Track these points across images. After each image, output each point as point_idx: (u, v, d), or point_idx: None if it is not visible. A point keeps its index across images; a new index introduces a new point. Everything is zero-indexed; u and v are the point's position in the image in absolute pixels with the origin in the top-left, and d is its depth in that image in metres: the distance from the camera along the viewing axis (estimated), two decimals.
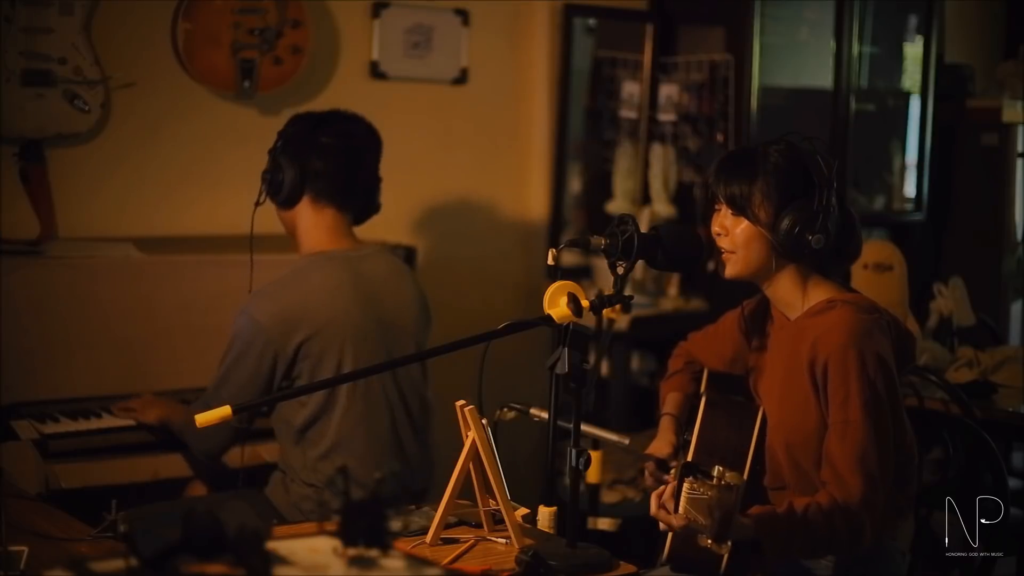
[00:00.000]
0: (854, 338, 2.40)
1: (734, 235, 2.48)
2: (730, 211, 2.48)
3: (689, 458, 2.57)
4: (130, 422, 3.25)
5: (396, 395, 3.12)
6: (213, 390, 3.02)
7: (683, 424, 2.78)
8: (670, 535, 2.52)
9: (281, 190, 3.07)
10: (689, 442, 2.62)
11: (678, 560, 2.53)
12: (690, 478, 2.17)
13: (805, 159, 2.46)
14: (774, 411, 2.52)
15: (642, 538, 3.46)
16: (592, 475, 3.38)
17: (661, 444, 2.71)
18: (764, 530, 2.29)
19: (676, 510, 2.22)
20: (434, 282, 4.18)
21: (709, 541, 2.16)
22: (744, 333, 2.69)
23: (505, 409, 2.97)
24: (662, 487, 2.33)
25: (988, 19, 5.89)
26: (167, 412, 3.21)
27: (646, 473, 2.71)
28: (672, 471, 2.71)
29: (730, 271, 2.51)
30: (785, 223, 2.42)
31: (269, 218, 3.16)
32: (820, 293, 2.50)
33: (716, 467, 2.16)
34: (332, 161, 3.07)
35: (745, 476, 2.46)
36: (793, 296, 2.52)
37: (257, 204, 3.07)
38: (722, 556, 2.41)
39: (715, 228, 2.52)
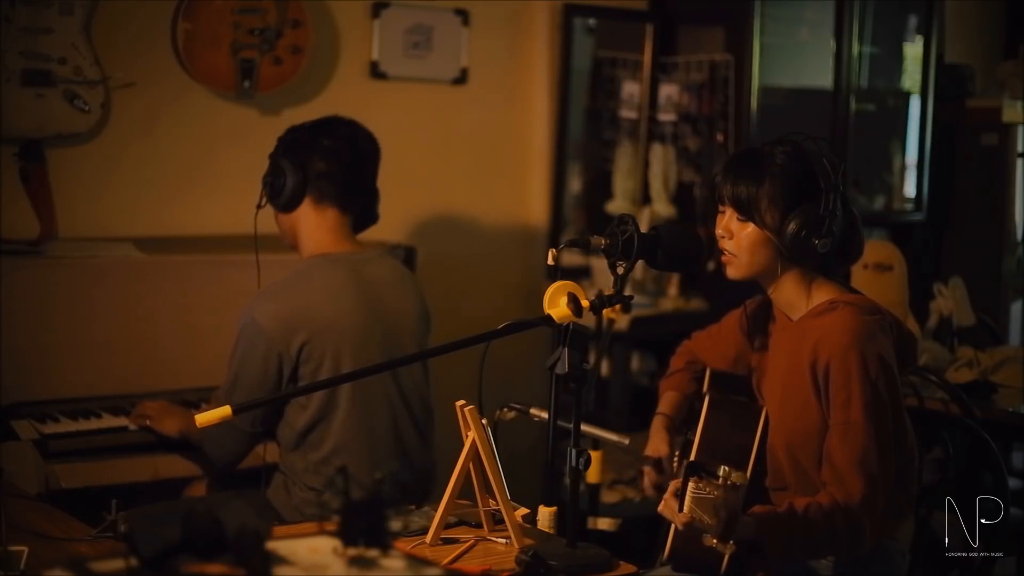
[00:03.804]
0: (856, 339, 2.40)
1: (739, 238, 2.48)
2: (736, 214, 2.48)
3: (692, 458, 2.57)
4: (130, 422, 3.26)
5: (398, 398, 3.11)
6: (224, 396, 3.00)
7: (677, 425, 2.79)
8: (671, 534, 2.52)
9: (283, 193, 3.06)
10: (691, 441, 2.62)
11: (679, 559, 2.54)
12: (695, 477, 2.18)
13: (812, 162, 2.46)
14: (775, 411, 2.53)
15: (642, 538, 3.46)
16: (592, 475, 3.38)
17: (657, 445, 2.72)
18: (765, 529, 2.30)
19: (681, 509, 2.22)
20: (434, 282, 4.18)
21: (714, 541, 2.17)
22: (746, 333, 2.69)
23: (505, 409, 2.97)
24: (674, 482, 2.33)
25: (988, 19, 5.89)
26: (186, 424, 3.17)
27: (645, 479, 2.71)
28: (673, 468, 2.72)
29: (733, 273, 2.51)
30: (791, 227, 2.42)
31: (270, 218, 3.16)
32: (823, 294, 2.50)
33: (722, 467, 2.17)
34: (335, 161, 3.07)
35: (748, 476, 2.47)
36: (796, 298, 2.52)
37: (259, 207, 3.07)
38: (722, 556, 2.41)
39: (719, 230, 2.51)
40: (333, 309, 3.02)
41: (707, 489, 2.17)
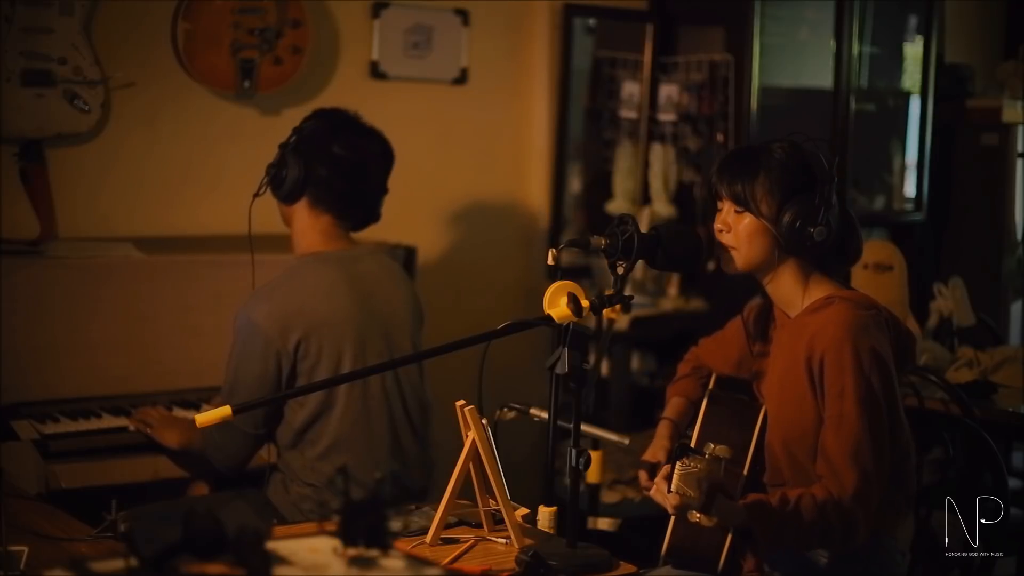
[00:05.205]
0: (850, 333, 2.41)
1: (737, 230, 2.49)
2: (733, 207, 2.49)
3: None
4: (131, 424, 3.26)
5: (394, 394, 3.12)
6: (224, 399, 3.00)
7: (682, 430, 2.79)
8: (669, 530, 2.53)
9: (283, 186, 3.07)
10: (690, 438, 2.62)
11: (677, 555, 2.54)
12: (684, 458, 2.19)
13: (807, 156, 2.49)
14: (773, 408, 2.54)
15: (642, 538, 3.46)
16: (592, 475, 3.38)
17: (656, 450, 2.73)
18: (755, 516, 2.31)
19: (669, 490, 2.23)
20: (434, 282, 4.18)
21: (698, 515, 2.17)
22: (748, 337, 2.70)
23: (505, 409, 2.97)
24: (665, 467, 2.34)
25: (988, 19, 5.89)
26: (187, 437, 3.15)
27: (640, 482, 2.72)
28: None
29: (733, 266, 2.52)
30: (787, 216, 2.44)
31: (269, 217, 3.16)
32: (820, 290, 2.51)
33: (708, 444, 2.19)
34: (337, 172, 3.07)
35: (746, 471, 2.48)
36: (794, 293, 2.53)
37: (256, 195, 3.07)
38: (720, 549, 2.42)
39: (717, 225, 2.53)
40: (327, 306, 3.02)
41: (692, 465, 2.18)
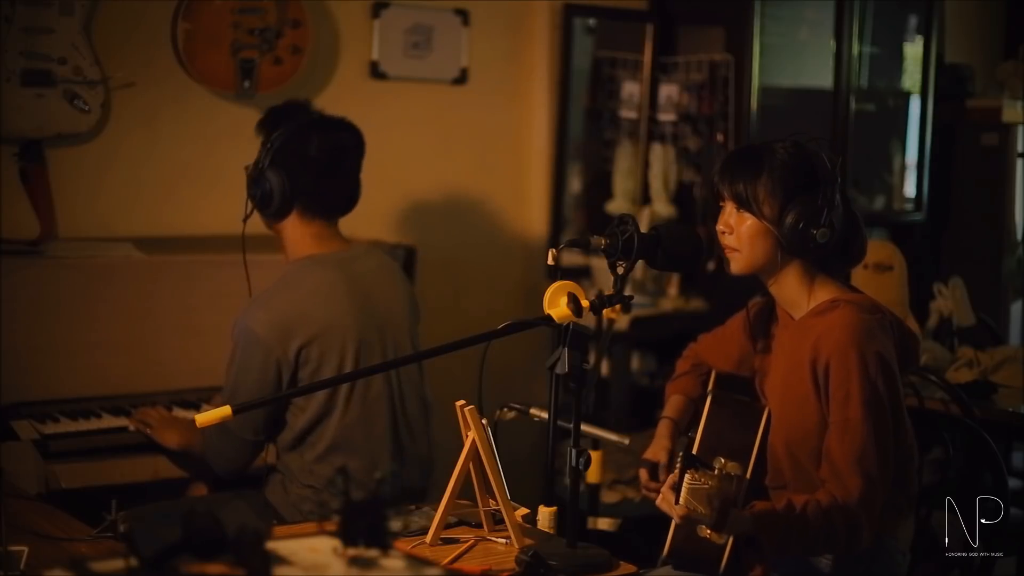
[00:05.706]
0: (856, 337, 2.40)
1: (739, 232, 2.48)
2: (735, 208, 2.49)
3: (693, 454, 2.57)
4: (130, 424, 3.26)
5: (395, 394, 3.11)
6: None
7: (682, 429, 2.79)
8: (671, 531, 2.53)
9: (270, 204, 3.03)
10: (693, 439, 2.62)
11: (678, 556, 2.54)
12: (692, 470, 2.19)
13: (810, 156, 2.48)
14: (776, 409, 2.53)
15: (642, 538, 3.46)
16: (592, 475, 3.38)
17: (657, 449, 2.72)
18: (762, 525, 2.30)
19: (677, 501, 2.23)
20: (434, 282, 4.18)
21: (708, 531, 2.17)
22: (750, 335, 2.70)
23: (505, 409, 2.97)
24: (672, 476, 2.33)
25: (988, 19, 5.89)
26: (187, 438, 3.15)
27: (640, 481, 2.72)
28: (676, 467, 2.72)
29: (735, 268, 2.51)
30: (790, 218, 2.43)
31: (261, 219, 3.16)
32: (824, 293, 2.51)
33: (718, 458, 2.18)
34: (320, 175, 3.02)
35: (748, 475, 2.47)
36: (798, 295, 2.52)
37: (245, 219, 3.03)
38: (722, 552, 2.42)
39: (720, 226, 2.52)
40: (327, 310, 3.01)
41: (702, 480, 2.18)
